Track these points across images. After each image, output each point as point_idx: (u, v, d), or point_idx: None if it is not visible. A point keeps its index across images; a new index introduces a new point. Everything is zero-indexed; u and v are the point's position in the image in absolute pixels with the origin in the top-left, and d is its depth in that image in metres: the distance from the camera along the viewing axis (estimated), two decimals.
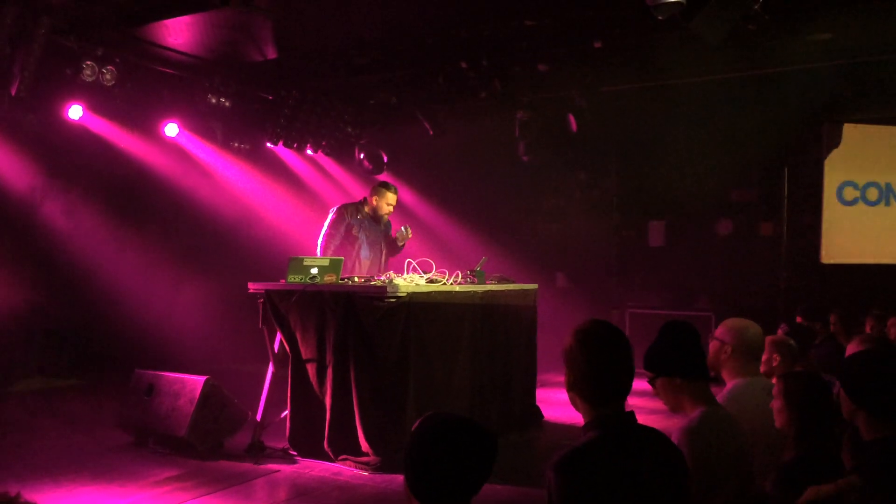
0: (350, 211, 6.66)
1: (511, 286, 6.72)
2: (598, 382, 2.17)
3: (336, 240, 6.54)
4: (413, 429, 2.01)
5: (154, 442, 5.68)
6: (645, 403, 5.55)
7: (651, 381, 2.66)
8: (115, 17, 7.10)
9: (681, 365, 2.59)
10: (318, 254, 6.45)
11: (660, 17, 5.41)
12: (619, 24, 7.04)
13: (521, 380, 6.79)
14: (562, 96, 8.68)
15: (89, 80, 7.56)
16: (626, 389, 2.19)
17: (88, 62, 7.47)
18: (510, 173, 10.63)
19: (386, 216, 6.80)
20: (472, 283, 6.20)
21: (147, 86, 8.48)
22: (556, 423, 6.86)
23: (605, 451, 2.11)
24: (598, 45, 7.34)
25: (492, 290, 6.39)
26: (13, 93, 6.95)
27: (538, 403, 7.06)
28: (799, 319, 6.17)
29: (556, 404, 7.40)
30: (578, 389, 2.20)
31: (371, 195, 6.74)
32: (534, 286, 7.08)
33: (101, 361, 8.30)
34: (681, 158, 9.58)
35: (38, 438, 6.01)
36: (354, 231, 6.61)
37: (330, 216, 6.65)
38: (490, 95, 8.52)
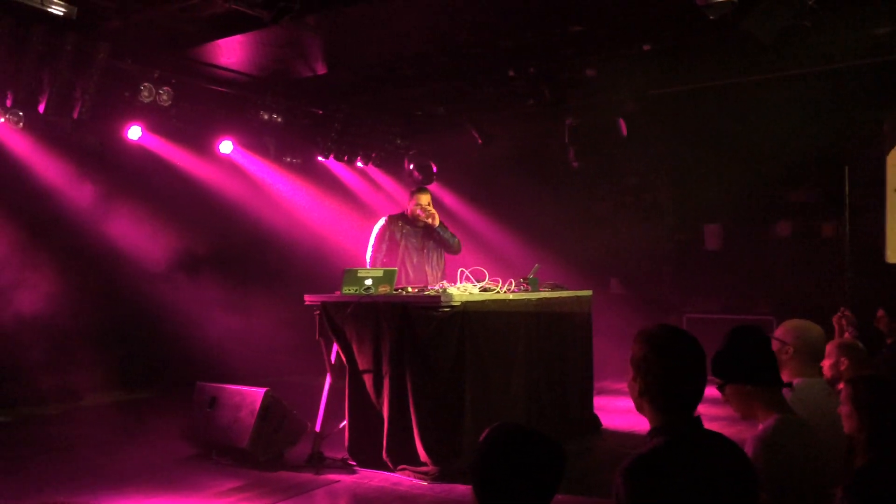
0: (391, 221, 6.66)
1: (565, 293, 6.67)
2: (672, 390, 2.13)
3: (381, 253, 6.55)
4: (481, 439, 2.01)
5: (217, 453, 5.78)
6: (706, 410, 5.43)
7: (720, 388, 2.60)
8: (170, 40, 7.30)
9: (751, 371, 2.53)
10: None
11: (711, 17, 5.33)
12: (668, 26, 6.96)
13: (577, 388, 6.73)
14: (611, 101, 8.61)
15: (147, 101, 7.80)
16: (699, 397, 2.14)
17: (146, 84, 7.71)
18: (560, 180, 10.58)
19: (421, 219, 6.65)
20: (526, 290, 6.18)
21: (202, 105, 8.71)
22: (616, 431, 6.77)
23: (675, 457, 2.07)
24: (647, 47, 7.27)
25: (546, 298, 6.35)
26: (75, 115, 7.21)
27: (596, 411, 6.99)
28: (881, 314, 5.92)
29: (615, 412, 7.31)
30: (650, 396, 2.16)
31: (408, 203, 6.74)
32: (588, 293, 7.02)
33: (165, 375, 8.53)
34: (736, 159, 9.37)
35: (107, 451, 6.19)
36: (398, 240, 6.59)
37: (374, 231, 6.67)
38: (538, 102, 8.51)
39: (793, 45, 6.82)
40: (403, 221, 6.68)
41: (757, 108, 8.81)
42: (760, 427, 2.51)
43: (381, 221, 6.70)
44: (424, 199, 6.65)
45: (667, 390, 2.13)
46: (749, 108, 8.88)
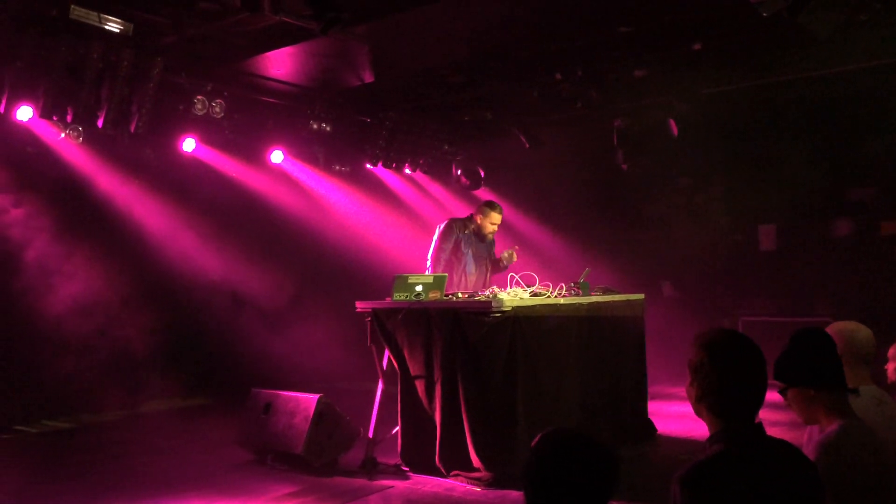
0: (458, 226, 6.77)
1: (617, 297, 6.60)
2: (732, 396, 2.08)
3: (446, 253, 6.66)
4: (532, 445, 1.99)
5: (272, 459, 5.86)
6: (766, 415, 5.31)
7: (782, 392, 2.54)
8: (222, 53, 7.46)
9: (815, 375, 2.46)
10: (429, 267, 6.61)
11: (764, 14, 5.22)
12: (719, 24, 6.84)
13: (631, 392, 6.64)
14: (661, 102, 8.50)
15: (200, 113, 7.99)
16: (760, 402, 2.10)
17: (199, 97, 7.90)
18: (609, 182, 10.47)
19: (490, 235, 6.86)
20: (577, 295, 6.13)
21: (253, 116, 8.89)
22: (671, 437, 6.66)
23: (735, 464, 2.02)
24: (697, 47, 7.16)
25: (597, 302, 6.29)
26: (132, 129, 7.41)
27: (650, 416, 6.88)
28: None
29: (670, 417, 7.20)
30: (708, 402, 2.12)
31: (477, 213, 6.84)
32: (640, 296, 6.93)
33: (219, 382, 8.69)
34: (790, 157, 9.15)
35: (166, 457, 6.33)
36: (462, 246, 6.70)
37: (439, 231, 6.77)
38: (586, 105, 8.44)
39: (848, 40, 6.65)
40: (469, 230, 6.78)
41: (811, 104, 8.60)
42: (822, 432, 2.44)
43: (447, 223, 6.80)
44: (499, 218, 6.82)
45: (725, 395, 2.09)
46: (803, 105, 8.68)
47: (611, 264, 9.15)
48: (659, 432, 6.78)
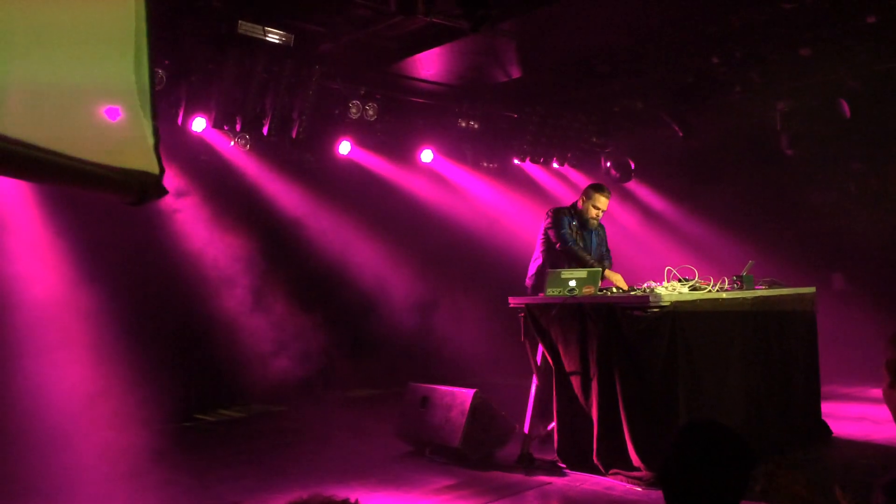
0: (565, 213, 6.33)
1: (785, 291, 6.21)
2: None
3: (572, 234, 6.20)
4: (672, 438, 1.95)
5: (430, 451, 5.99)
6: None
7: None
8: (374, 57, 7.71)
9: None
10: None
11: None
12: None
13: (802, 392, 6.23)
14: (830, 80, 7.91)
15: (355, 117, 8.29)
16: None
17: (354, 101, 8.21)
18: (771, 169, 9.87)
19: (594, 221, 6.36)
20: (740, 289, 5.82)
21: (403, 117, 9.13)
22: (848, 440, 6.19)
23: None
24: (871, 19, 6.61)
25: (763, 296, 5.95)
26: (294, 135, 7.81)
27: (824, 418, 6.44)
28: None
29: (846, 419, 6.70)
30: None
31: (580, 197, 6.38)
32: (811, 290, 6.49)
33: (379, 374, 9.01)
34: None
35: (331, 446, 6.64)
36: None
37: (552, 217, 6.31)
38: (745, 89, 8.02)
39: None
40: (573, 218, 6.32)
41: None
42: None
43: (554, 212, 6.35)
44: (605, 202, 6.31)
45: None
46: None
47: (774, 256, 8.62)
48: (834, 434, 6.33)
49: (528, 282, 6.51)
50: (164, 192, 1.98)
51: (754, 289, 5.94)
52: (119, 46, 1.84)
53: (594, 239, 6.47)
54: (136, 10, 1.88)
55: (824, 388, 6.69)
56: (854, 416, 6.80)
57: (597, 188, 6.35)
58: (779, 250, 9.00)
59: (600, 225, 6.50)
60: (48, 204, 6.67)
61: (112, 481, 5.23)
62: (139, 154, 1.88)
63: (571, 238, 6.20)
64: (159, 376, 6.82)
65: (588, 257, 6.11)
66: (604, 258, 6.48)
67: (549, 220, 6.35)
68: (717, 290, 5.58)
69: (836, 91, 7.93)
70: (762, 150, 9.47)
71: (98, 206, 6.51)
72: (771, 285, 6.17)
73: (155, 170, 1.92)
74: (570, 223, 6.28)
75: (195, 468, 5.91)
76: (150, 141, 1.88)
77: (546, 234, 6.38)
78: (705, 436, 1.90)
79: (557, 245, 6.24)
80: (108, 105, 1.91)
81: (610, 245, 6.69)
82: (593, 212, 6.30)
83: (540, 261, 6.41)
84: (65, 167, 1.57)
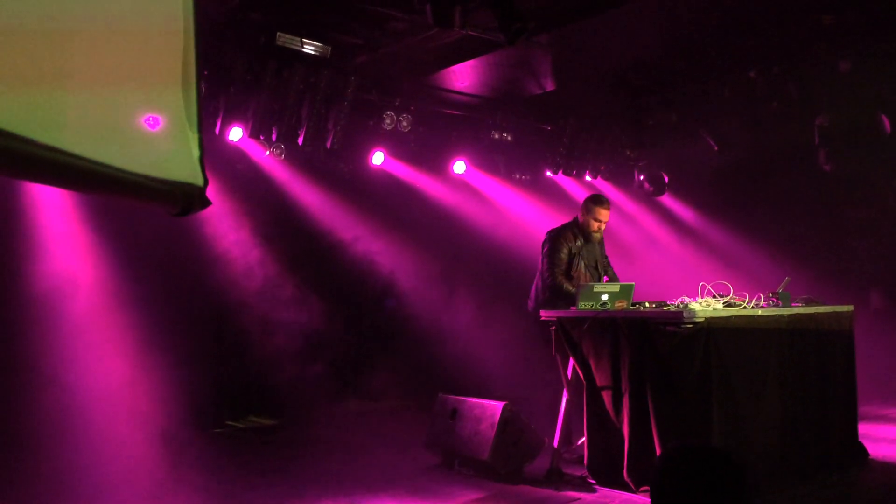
0: (566, 235, 6.29)
1: (822, 308, 6.11)
2: None
3: (563, 266, 6.19)
4: (657, 459, 1.93)
5: (459, 463, 5.98)
6: None
7: None
8: (409, 69, 7.77)
9: None
10: (549, 284, 6.17)
11: None
12: None
13: (839, 413, 6.12)
14: (870, 95, 7.79)
15: (388, 128, 8.36)
16: None
17: (388, 112, 8.27)
18: (809, 185, 9.72)
19: (597, 234, 6.33)
20: (776, 306, 5.74)
21: (437, 128, 9.16)
22: (886, 462, 6.06)
23: None
24: None
25: (800, 314, 5.85)
26: (328, 146, 7.89)
27: (861, 440, 6.31)
28: None
29: (883, 441, 6.57)
30: None
31: (580, 211, 6.36)
32: (849, 308, 6.38)
33: (409, 385, 9.02)
34: None
35: (360, 456, 6.64)
36: (573, 256, 6.27)
37: (548, 242, 6.30)
38: (782, 103, 7.93)
39: None
40: (575, 235, 6.29)
41: None
42: None
43: (552, 237, 6.30)
44: (606, 213, 6.32)
45: None
46: None
47: (812, 273, 8.49)
48: (871, 457, 6.20)
49: (531, 304, 6.47)
50: (207, 203, 2.01)
51: (791, 306, 5.85)
52: (170, 73, 1.88)
53: (598, 249, 6.49)
54: (185, 44, 1.92)
55: (861, 409, 6.57)
56: (892, 439, 6.67)
57: (596, 200, 6.37)
58: (816, 267, 8.86)
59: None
60: (91, 214, 6.80)
61: (143, 485, 5.30)
62: (184, 165, 1.91)
63: (561, 270, 6.18)
64: (192, 382, 6.90)
65: (573, 290, 5.98)
66: (607, 266, 6.57)
67: (545, 246, 6.35)
68: (753, 307, 5.50)
69: (876, 106, 7.80)
70: (799, 165, 9.34)
71: (136, 215, 6.62)
72: (808, 303, 6.07)
73: (199, 181, 1.96)
74: (569, 247, 6.25)
75: (227, 474, 5.96)
76: (196, 153, 1.92)
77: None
78: (691, 459, 1.88)
79: (546, 274, 6.22)
80: (154, 116, 1.95)
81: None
82: (595, 224, 6.31)
83: (541, 284, 6.39)
84: (114, 178, 1.61)
